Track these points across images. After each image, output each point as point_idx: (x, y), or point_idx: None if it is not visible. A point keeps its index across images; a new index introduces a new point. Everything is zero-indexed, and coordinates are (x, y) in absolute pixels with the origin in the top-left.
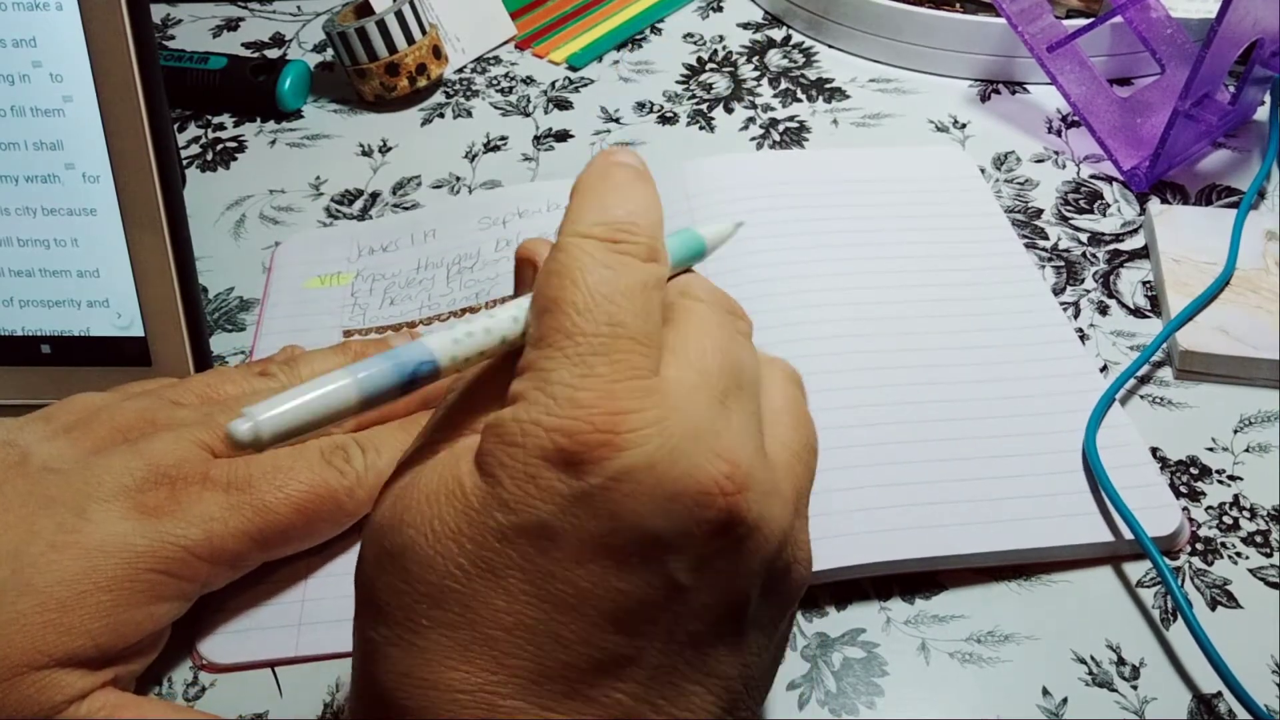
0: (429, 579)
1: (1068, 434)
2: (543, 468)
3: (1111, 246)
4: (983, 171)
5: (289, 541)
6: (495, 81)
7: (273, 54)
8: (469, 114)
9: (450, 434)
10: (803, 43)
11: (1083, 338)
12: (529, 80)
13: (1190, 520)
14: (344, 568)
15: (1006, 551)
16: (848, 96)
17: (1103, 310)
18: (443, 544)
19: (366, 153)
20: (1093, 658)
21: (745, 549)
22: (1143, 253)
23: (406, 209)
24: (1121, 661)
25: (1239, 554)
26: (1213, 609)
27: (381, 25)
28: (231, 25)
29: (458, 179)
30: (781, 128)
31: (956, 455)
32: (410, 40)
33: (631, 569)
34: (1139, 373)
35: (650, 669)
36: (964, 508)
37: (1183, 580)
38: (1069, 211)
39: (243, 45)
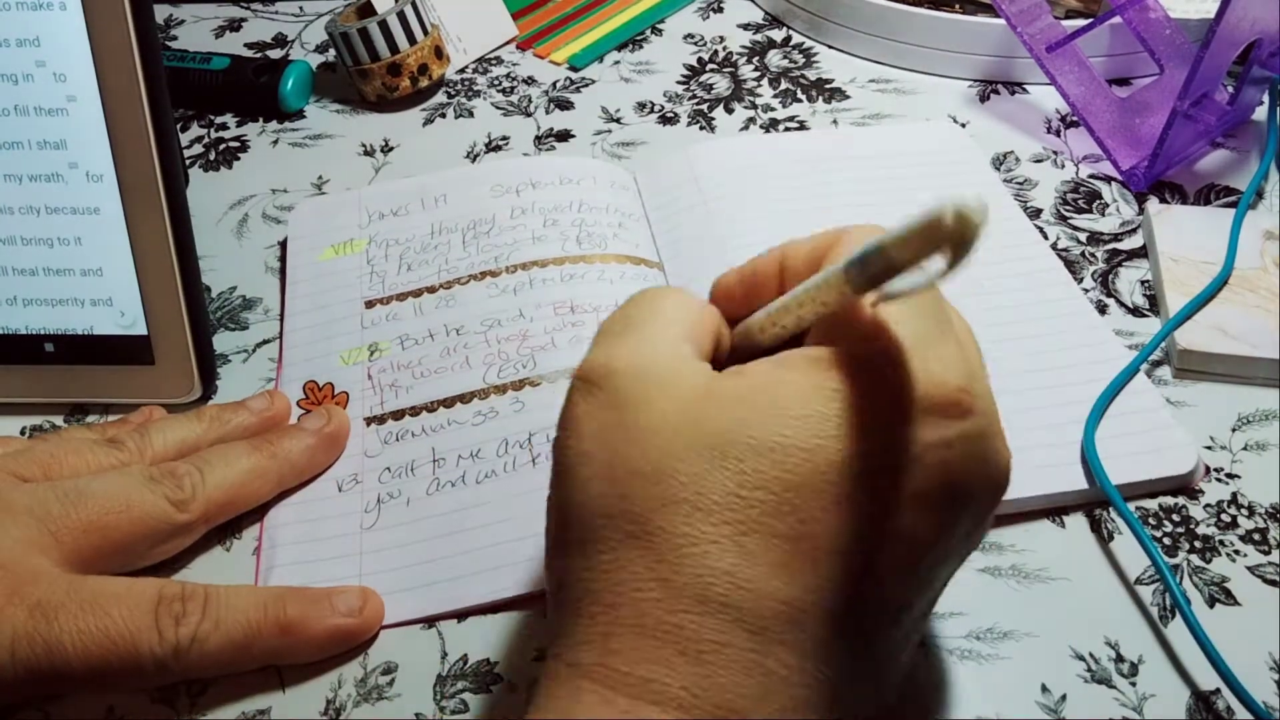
0: (772, 488)
1: (1070, 388)
2: (912, 414)
3: (1110, 246)
4: None
5: (70, 686)
6: (497, 82)
7: (275, 54)
8: (470, 114)
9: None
10: (803, 43)
11: None
12: (530, 80)
13: (1192, 516)
14: (396, 539)
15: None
16: (847, 97)
17: (1102, 309)
18: (795, 458)
19: (368, 152)
20: (1091, 655)
21: (990, 524)
22: (1141, 252)
23: None
24: (1120, 658)
25: (1237, 551)
26: (1211, 606)
27: (383, 25)
28: (234, 26)
29: None
30: (782, 128)
31: None
32: (412, 40)
33: (944, 525)
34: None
35: (908, 627)
36: None
37: (1181, 578)
38: (1068, 211)
39: (245, 46)
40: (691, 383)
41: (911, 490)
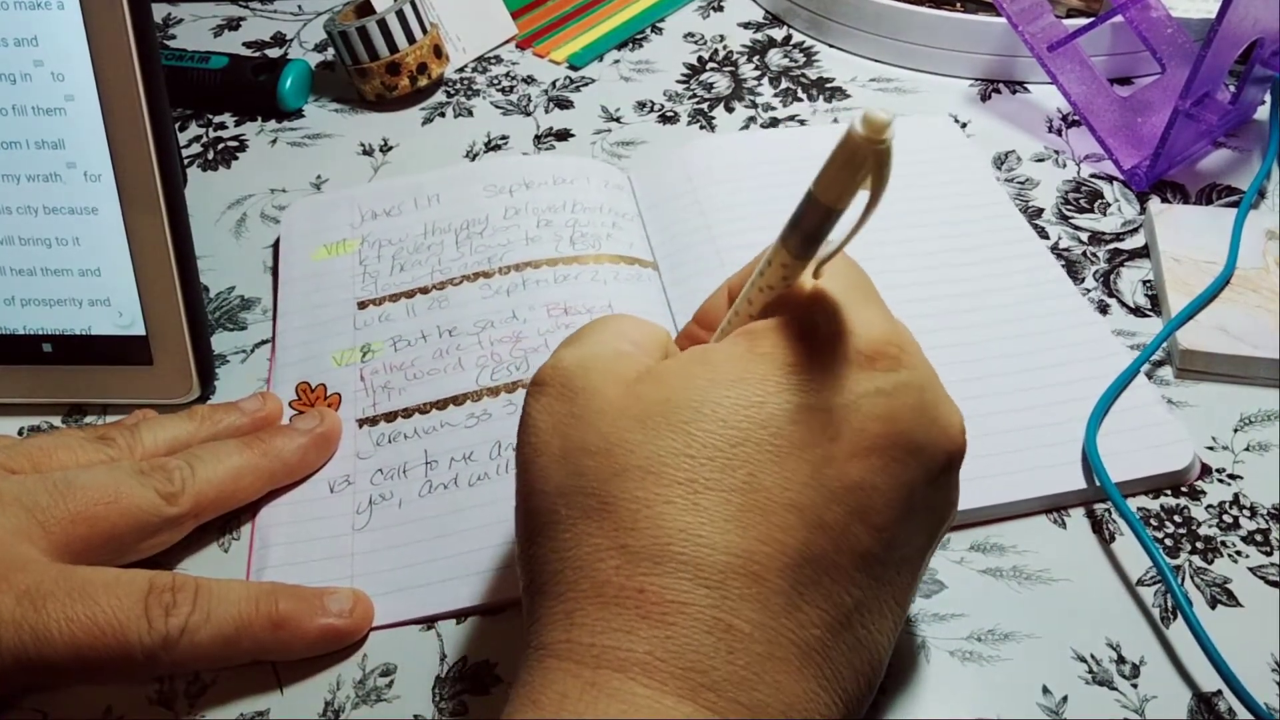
0: (719, 445)
1: (1070, 387)
2: (843, 363)
3: (1112, 246)
4: None
5: (58, 676)
6: (496, 81)
7: (274, 53)
8: (470, 113)
9: (717, 330)
10: (803, 42)
11: None
12: (530, 79)
13: (1194, 517)
14: (388, 541)
15: (995, 506)
16: (848, 96)
17: (1103, 309)
18: (738, 415)
19: (367, 152)
20: (1093, 656)
21: (953, 492)
22: (1143, 252)
23: None
24: (1122, 660)
25: (1239, 552)
26: (1213, 607)
27: (382, 24)
28: (232, 25)
29: None
30: (782, 127)
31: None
32: (411, 39)
33: (891, 473)
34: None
35: (874, 579)
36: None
37: (1183, 579)
38: (1069, 211)
39: (244, 45)
40: (634, 368)
41: (854, 440)
